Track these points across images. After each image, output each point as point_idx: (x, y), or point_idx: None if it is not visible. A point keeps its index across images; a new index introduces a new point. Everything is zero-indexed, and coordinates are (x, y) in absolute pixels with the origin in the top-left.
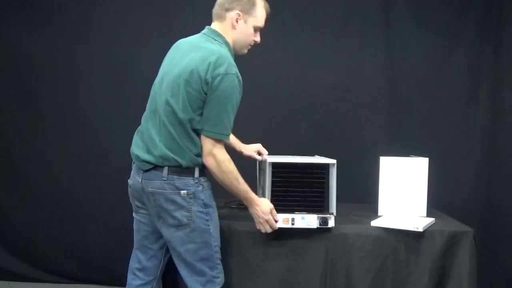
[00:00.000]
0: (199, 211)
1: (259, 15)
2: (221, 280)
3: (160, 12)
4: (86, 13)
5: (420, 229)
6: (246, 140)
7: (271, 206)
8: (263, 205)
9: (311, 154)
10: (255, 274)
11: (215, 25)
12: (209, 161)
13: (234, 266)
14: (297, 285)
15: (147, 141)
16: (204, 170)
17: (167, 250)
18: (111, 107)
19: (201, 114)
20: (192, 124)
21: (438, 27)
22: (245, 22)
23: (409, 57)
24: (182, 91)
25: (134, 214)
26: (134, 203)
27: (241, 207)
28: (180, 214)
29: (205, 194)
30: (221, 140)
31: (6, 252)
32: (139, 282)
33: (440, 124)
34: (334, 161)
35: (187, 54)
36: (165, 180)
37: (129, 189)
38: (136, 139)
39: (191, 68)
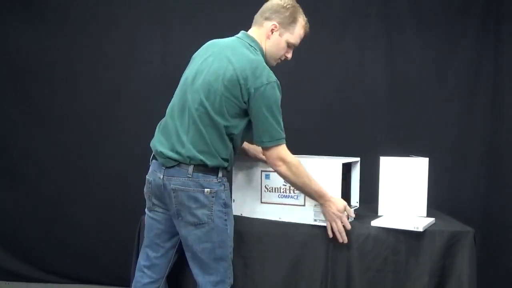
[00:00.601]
0: (219, 210)
1: (296, 33)
2: (231, 281)
3: (159, 14)
4: (86, 15)
5: (420, 229)
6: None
7: (345, 203)
8: (337, 202)
9: (311, 154)
10: (255, 274)
11: (252, 30)
12: (280, 167)
13: (234, 265)
14: (298, 285)
15: (173, 139)
16: (226, 171)
17: (177, 251)
18: (110, 108)
19: (238, 119)
20: (229, 129)
21: (438, 28)
22: (280, 35)
23: (409, 57)
24: (220, 96)
25: (147, 211)
26: (151, 200)
27: None
28: (201, 212)
29: (226, 194)
30: (282, 144)
31: (6, 252)
32: (147, 280)
33: (440, 124)
34: (358, 159)
35: (223, 57)
36: (190, 177)
37: (148, 186)
38: (159, 136)
39: (230, 74)
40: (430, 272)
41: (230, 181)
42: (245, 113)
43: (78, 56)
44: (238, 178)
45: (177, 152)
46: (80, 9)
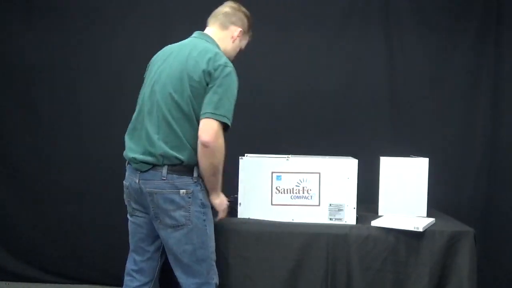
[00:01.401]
0: (197, 211)
1: (246, 41)
2: (216, 281)
3: (158, 16)
4: (86, 14)
5: (420, 229)
6: (246, 141)
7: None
8: (222, 196)
9: (310, 154)
10: (255, 274)
11: (212, 30)
12: (215, 143)
13: (234, 266)
14: (298, 285)
15: (144, 141)
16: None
17: (163, 252)
18: (110, 107)
19: None
20: (199, 118)
21: (438, 28)
22: (240, 41)
23: (409, 57)
24: (186, 86)
25: (129, 217)
26: (130, 205)
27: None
28: (178, 214)
29: (203, 194)
30: (225, 126)
31: (6, 252)
32: (136, 283)
33: (440, 124)
34: (356, 160)
35: (183, 52)
36: (164, 179)
37: (126, 191)
38: (129, 143)
39: (192, 63)
40: (430, 272)
41: (235, 184)
42: None
43: (78, 56)
44: (245, 181)
45: (150, 153)
46: (80, 9)
